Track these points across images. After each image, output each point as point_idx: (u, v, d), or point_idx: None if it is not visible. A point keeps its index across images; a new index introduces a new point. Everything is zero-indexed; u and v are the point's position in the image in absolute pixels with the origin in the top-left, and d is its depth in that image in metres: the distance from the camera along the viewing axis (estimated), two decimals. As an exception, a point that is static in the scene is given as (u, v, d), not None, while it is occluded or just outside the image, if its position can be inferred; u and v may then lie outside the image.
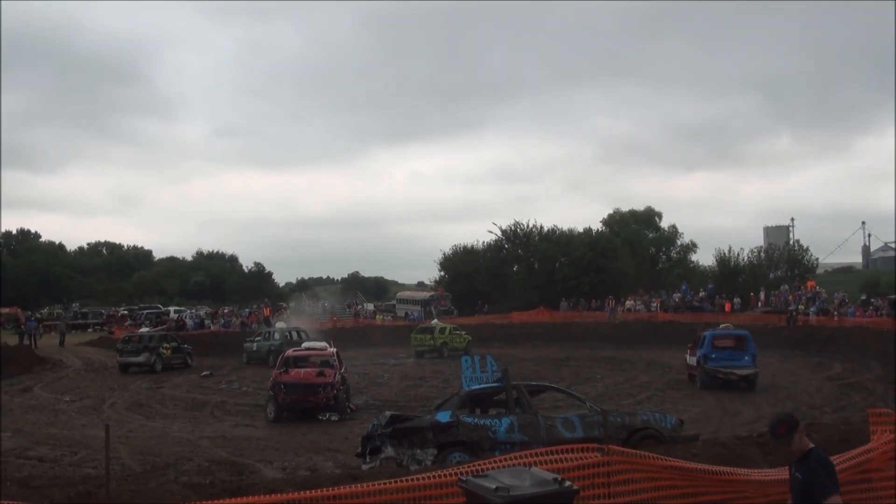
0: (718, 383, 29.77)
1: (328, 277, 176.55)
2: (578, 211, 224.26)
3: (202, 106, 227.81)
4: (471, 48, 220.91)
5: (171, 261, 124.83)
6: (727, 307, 56.16)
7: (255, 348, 44.73)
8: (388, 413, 16.28)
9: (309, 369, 26.18)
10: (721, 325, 34.83)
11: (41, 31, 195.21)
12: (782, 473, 8.79)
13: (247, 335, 51.55)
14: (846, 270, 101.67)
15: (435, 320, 54.53)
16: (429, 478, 7.73)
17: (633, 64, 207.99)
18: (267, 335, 45.75)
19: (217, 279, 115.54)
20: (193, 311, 72.80)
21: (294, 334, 44.86)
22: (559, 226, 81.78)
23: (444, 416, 14.92)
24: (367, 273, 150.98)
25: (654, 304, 61.08)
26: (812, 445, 6.14)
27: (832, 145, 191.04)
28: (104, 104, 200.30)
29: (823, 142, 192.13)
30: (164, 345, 41.58)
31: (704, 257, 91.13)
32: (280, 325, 49.88)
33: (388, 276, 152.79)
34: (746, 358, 30.23)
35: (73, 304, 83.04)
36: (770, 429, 6.40)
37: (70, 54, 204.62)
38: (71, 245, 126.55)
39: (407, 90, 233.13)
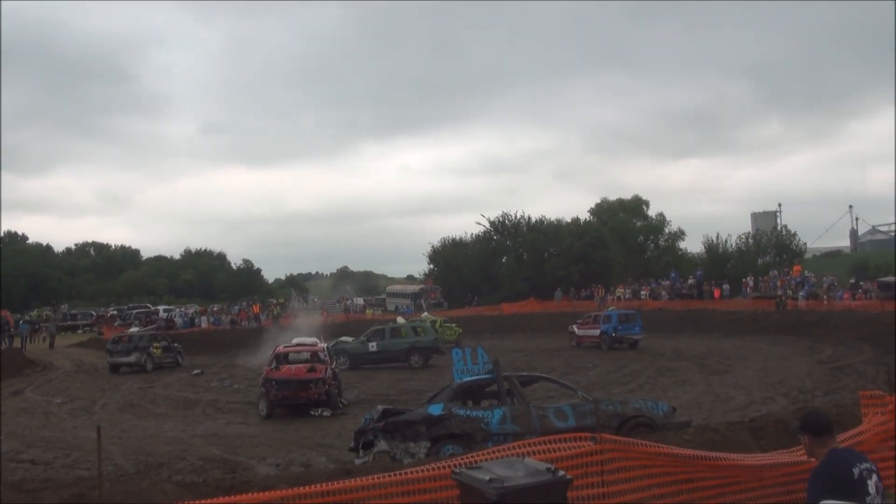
0: (617, 344, 42.01)
1: (317, 273, 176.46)
2: (568, 201, 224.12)
3: (189, 103, 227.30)
4: (459, 40, 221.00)
5: (159, 260, 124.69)
6: (716, 294, 56.29)
7: (373, 348, 38.76)
8: (380, 407, 16.30)
9: (300, 365, 26.13)
10: (610, 308, 48.59)
11: (26, 31, 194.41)
12: (775, 458, 8.84)
13: (237, 332, 51.39)
14: (834, 254, 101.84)
15: (425, 313, 54.49)
16: (422, 471, 7.74)
17: (621, 52, 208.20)
18: (389, 332, 39.87)
19: (205, 277, 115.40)
20: (183, 309, 72.68)
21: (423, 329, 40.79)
22: (548, 216, 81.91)
23: (436, 409, 14.92)
24: (356, 268, 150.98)
25: (644, 293, 61.13)
26: (825, 451, 5.34)
27: (821, 129, 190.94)
28: (90, 104, 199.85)
29: (812, 126, 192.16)
30: (155, 344, 41.48)
31: (693, 244, 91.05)
32: (400, 319, 46.51)
33: (378, 271, 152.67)
34: (637, 328, 42.88)
35: (62, 306, 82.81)
36: None
37: (55, 54, 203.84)
38: (58, 246, 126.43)
39: (395, 83, 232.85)
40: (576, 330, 45.76)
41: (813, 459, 5.45)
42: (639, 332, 42.86)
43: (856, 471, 5.14)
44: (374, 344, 38.59)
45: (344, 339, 40.66)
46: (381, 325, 42.50)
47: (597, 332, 43.53)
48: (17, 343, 49.45)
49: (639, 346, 41.98)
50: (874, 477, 5.20)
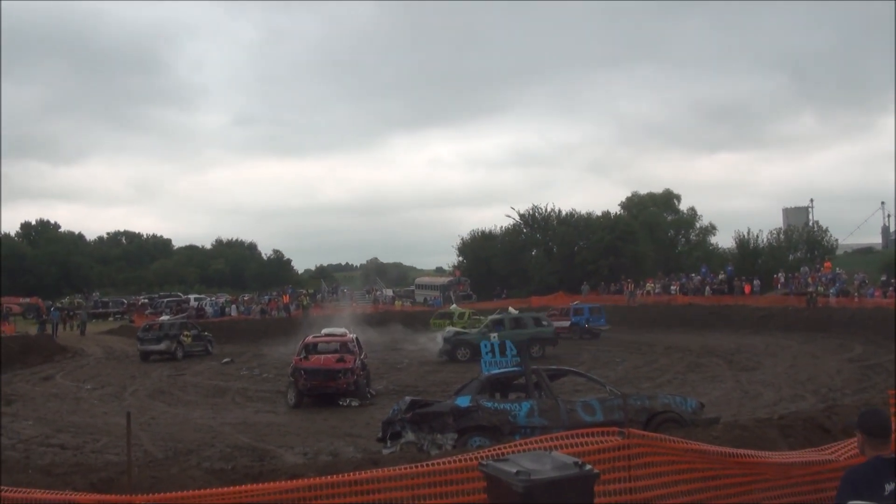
0: (585, 334, 45.90)
1: (347, 264, 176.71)
2: (599, 195, 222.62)
3: (222, 95, 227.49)
4: (491, 32, 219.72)
5: (191, 249, 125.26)
6: (747, 289, 55.99)
7: (494, 339, 34.49)
8: (408, 398, 16.33)
9: (329, 355, 26.24)
10: (574, 303, 51.04)
11: (62, 21, 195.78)
12: (803, 456, 8.80)
13: (267, 321, 51.62)
14: (866, 251, 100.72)
15: (454, 305, 54.47)
16: (449, 462, 7.76)
17: (655, 44, 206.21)
18: (509, 322, 39.00)
19: (236, 267, 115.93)
20: (213, 298, 73.05)
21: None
22: (579, 210, 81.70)
23: (464, 401, 14.94)
24: (385, 259, 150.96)
25: (674, 288, 60.90)
26: (872, 455, 5.20)
27: (855, 124, 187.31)
28: (124, 94, 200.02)
29: (846, 121, 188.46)
30: (185, 332, 41.75)
31: (724, 239, 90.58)
32: (512, 310, 44.42)
33: (407, 262, 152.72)
34: (602, 320, 47.38)
35: (94, 294, 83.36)
36: None
37: (90, 44, 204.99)
38: (90, 235, 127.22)
39: (427, 75, 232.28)
40: None
41: (862, 458, 5.33)
42: (603, 323, 47.43)
43: (889, 486, 4.98)
44: (495, 335, 37.00)
45: (450, 328, 40.36)
46: (500, 314, 41.48)
47: (565, 323, 46.43)
48: (47, 329, 49.94)
49: (601, 335, 46.08)
50: None
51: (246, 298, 72.28)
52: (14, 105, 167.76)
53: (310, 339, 28.29)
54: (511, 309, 44.34)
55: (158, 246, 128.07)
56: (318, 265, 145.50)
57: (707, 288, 58.85)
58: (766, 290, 57.03)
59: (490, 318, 40.66)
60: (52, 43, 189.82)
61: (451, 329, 39.59)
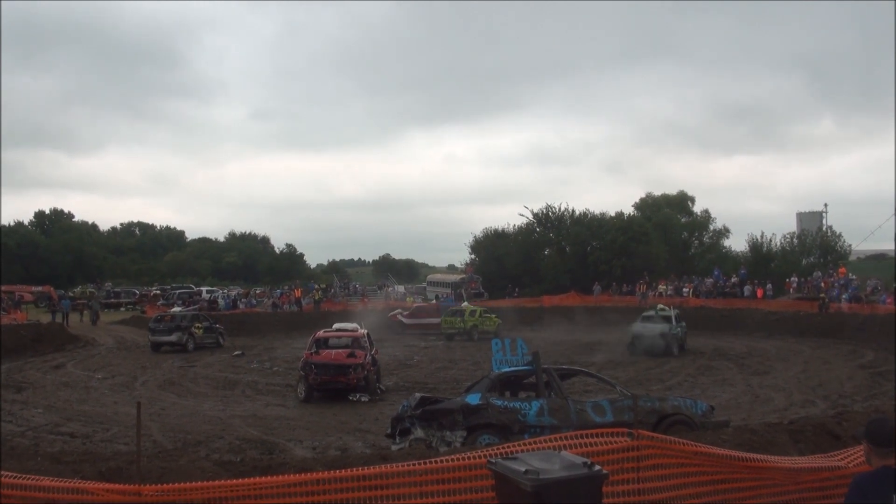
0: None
1: (359, 259, 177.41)
2: (616, 194, 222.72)
3: (240, 89, 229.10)
4: (509, 29, 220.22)
5: (204, 241, 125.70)
6: (759, 293, 55.81)
7: (680, 331, 38.25)
8: (418, 395, 16.37)
9: (340, 350, 26.27)
10: (415, 305, 54.22)
11: (81, 12, 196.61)
12: (813, 461, 8.78)
13: (279, 315, 51.64)
14: (879, 257, 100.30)
15: (465, 303, 54.44)
16: (458, 459, 7.77)
17: (674, 43, 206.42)
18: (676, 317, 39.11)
19: (249, 260, 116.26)
20: (225, 291, 73.18)
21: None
22: (595, 209, 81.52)
23: (473, 399, 14.93)
24: (398, 255, 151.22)
25: (686, 290, 60.72)
26: (879, 465, 5.19)
27: (873, 128, 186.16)
28: (142, 86, 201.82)
29: (865, 125, 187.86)
30: (197, 324, 41.83)
31: (737, 243, 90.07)
32: (663, 307, 42.95)
33: (419, 259, 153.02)
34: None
35: (106, 284, 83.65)
36: None
37: (109, 36, 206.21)
38: (105, 225, 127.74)
39: (444, 72, 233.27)
40: (403, 319, 51.66)
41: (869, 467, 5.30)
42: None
43: None
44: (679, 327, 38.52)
45: (654, 324, 38.86)
46: (661, 310, 40.79)
47: (435, 320, 49.31)
48: (59, 318, 50.19)
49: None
50: None
51: (258, 292, 72.42)
52: (32, 95, 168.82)
53: (321, 333, 28.34)
54: (661, 306, 43.27)
55: (172, 238, 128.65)
56: (330, 260, 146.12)
57: (746, 287, 58.16)
58: (778, 294, 56.82)
59: (674, 313, 39.78)
60: (72, 34, 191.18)
61: (658, 325, 38.17)
